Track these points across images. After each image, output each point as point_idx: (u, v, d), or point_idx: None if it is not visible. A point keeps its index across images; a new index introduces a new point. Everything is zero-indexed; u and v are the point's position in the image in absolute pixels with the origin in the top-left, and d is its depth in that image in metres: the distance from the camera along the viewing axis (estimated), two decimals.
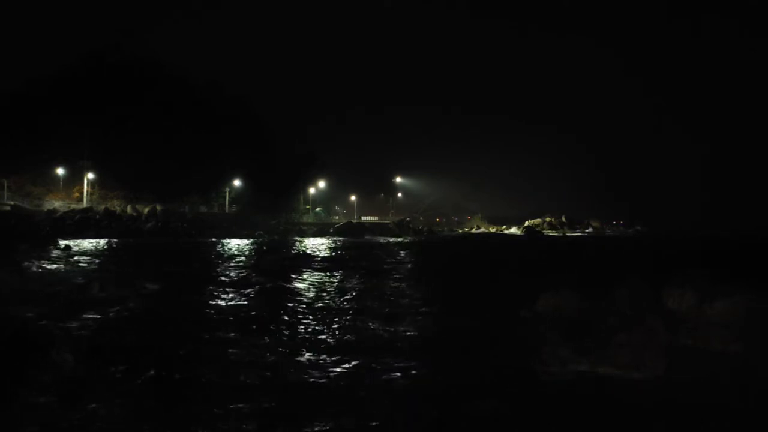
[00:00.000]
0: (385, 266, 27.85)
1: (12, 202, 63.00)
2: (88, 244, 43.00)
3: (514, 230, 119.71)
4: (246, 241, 54.74)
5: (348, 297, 16.22)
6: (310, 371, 8.45)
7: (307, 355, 9.37)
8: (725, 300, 9.78)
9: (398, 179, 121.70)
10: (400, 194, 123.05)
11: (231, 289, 17.42)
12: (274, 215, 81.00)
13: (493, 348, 10.05)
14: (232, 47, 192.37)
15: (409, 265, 29.12)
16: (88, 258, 28.99)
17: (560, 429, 6.69)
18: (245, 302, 14.99)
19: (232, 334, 10.91)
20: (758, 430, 6.79)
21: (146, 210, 69.97)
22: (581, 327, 9.39)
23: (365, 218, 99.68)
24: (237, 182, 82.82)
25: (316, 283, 19.54)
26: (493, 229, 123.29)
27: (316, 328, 11.65)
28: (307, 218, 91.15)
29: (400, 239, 71.84)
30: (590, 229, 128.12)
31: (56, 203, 68.72)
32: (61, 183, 73.31)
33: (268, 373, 8.32)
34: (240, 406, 6.97)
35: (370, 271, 24.39)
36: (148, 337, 10.53)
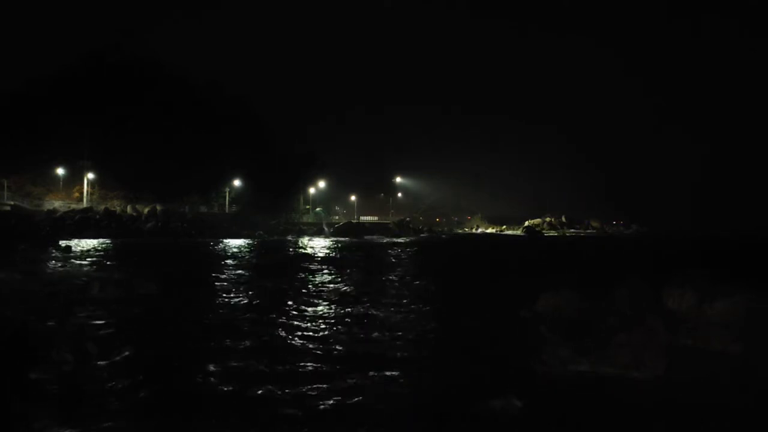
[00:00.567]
0: (384, 266, 27.85)
1: (12, 202, 62.99)
2: (88, 244, 43.00)
3: (514, 230, 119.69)
4: (246, 241, 54.75)
5: (348, 297, 16.21)
6: (310, 371, 8.45)
7: (306, 356, 9.36)
8: (725, 300, 9.78)
9: (398, 179, 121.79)
10: (400, 194, 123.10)
11: (231, 290, 17.42)
12: (274, 215, 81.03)
13: (493, 348, 10.05)
14: (232, 47, 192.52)
15: (409, 266, 29.12)
16: (88, 258, 28.98)
17: (560, 429, 6.68)
18: (245, 303, 14.99)
19: (232, 334, 10.90)
20: (758, 430, 6.79)
21: (146, 210, 69.96)
22: (581, 327, 9.38)
23: (365, 218, 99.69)
24: (237, 182, 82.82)
25: (315, 284, 19.53)
26: (493, 229, 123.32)
27: (316, 328, 11.65)
28: (307, 218, 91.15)
29: (400, 239, 71.84)
30: (590, 229, 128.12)
31: (56, 203, 68.72)
32: (61, 183, 73.31)
33: (267, 373, 8.32)
34: (239, 407, 6.97)
35: (369, 272, 24.39)
36: (148, 338, 10.53)
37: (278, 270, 25.00)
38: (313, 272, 23.56)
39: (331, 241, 61.37)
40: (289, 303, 14.96)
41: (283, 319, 12.55)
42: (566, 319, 10.15)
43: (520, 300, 12.65)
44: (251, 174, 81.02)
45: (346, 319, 12.64)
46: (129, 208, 70.32)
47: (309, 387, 7.75)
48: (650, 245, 60.72)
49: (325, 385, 7.79)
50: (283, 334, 11.00)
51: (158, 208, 70.77)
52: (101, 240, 49.81)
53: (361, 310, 13.91)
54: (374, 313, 13.48)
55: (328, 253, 38.05)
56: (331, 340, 10.51)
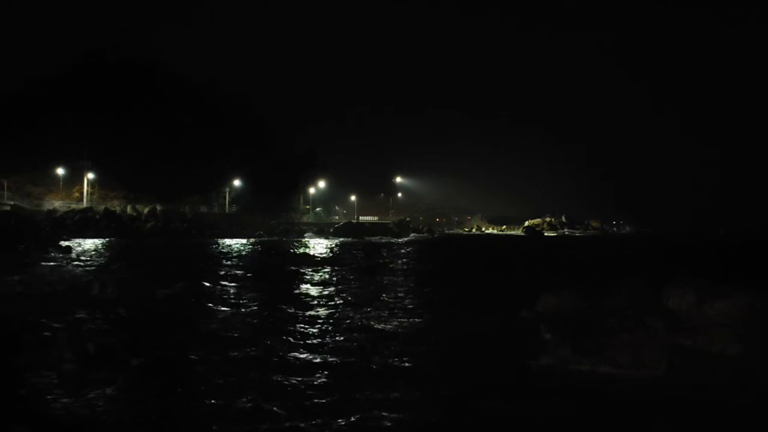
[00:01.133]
0: (384, 267, 27.85)
1: (12, 202, 62.94)
2: (88, 244, 43.00)
3: (514, 230, 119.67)
4: (246, 241, 54.75)
5: (347, 298, 16.21)
6: (310, 372, 8.45)
7: (306, 357, 9.36)
8: (725, 300, 9.77)
9: (398, 179, 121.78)
10: (400, 194, 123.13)
11: (230, 291, 17.42)
12: (274, 215, 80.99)
13: (493, 348, 10.05)
14: (232, 47, 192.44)
15: (409, 266, 29.12)
16: (88, 258, 28.98)
17: (561, 428, 6.69)
18: (245, 304, 14.99)
19: (232, 337, 10.90)
20: (758, 430, 6.79)
21: (146, 210, 69.91)
22: (581, 327, 9.38)
23: (365, 218, 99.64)
24: (237, 182, 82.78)
25: (315, 284, 19.53)
26: (493, 230, 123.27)
27: (316, 328, 11.65)
28: (307, 218, 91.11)
29: (399, 239, 71.83)
30: (590, 230, 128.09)
31: (56, 203, 68.68)
32: (61, 183, 73.27)
33: (266, 373, 8.32)
34: (239, 407, 6.97)
35: (369, 272, 24.39)
36: (148, 338, 10.53)
37: (278, 270, 25.00)
38: (313, 273, 23.56)
39: (331, 241, 61.35)
40: (288, 303, 14.96)
41: (282, 319, 12.55)
42: (566, 319, 10.15)
43: (520, 300, 12.65)
44: (251, 174, 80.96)
45: (346, 320, 12.64)
46: (129, 208, 70.27)
47: (309, 387, 7.75)
48: (645, 246, 60.69)
49: (325, 386, 7.79)
50: (281, 333, 11.00)
51: (158, 208, 70.73)
52: (101, 240, 49.80)
53: (360, 310, 13.91)
54: (373, 313, 13.48)
55: (328, 254, 38.04)
56: (330, 341, 10.51)
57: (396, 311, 13.76)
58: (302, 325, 11.86)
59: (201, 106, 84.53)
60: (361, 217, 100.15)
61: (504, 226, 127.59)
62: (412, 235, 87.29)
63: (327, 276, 22.10)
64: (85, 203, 70.47)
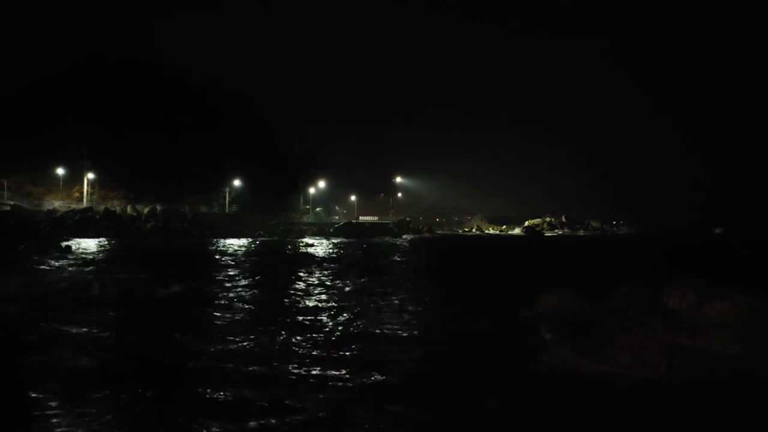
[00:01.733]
0: (384, 267, 27.84)
1: (12, 202, 62.98)
2: (88, 244, 43.00)
3: (514, 231, 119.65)
4: (246, 241, 54.76)
5: (347, 298, 16.21)
6: (309, 372, 8.45)
7: (306, 356, 9.36)
8: (725, 300, 9.77)
9: (398, 179, 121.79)
10: (400, 194, 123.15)
11: (230, 291, 17.42)
12: (274, 215, 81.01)
13: (493, 348, 10.05)
14: (232, 47, 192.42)
15: (409, 266, 29.12)
16: (89, 258, 28.98)
17: (561, 428, 6.69)
18: (244, 303, 14.99)
19: (231, 338, 10.90)
20: (758, 430, 6.79)
21: (146, 210, 69.92)
22: (581, 327, 9.38)
23: (365, 218, 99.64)
24: (237, 182, 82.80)
25: (314, 284, 19.54)
26: (493, 230, 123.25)
27: (315, 329, 11.65)
28: (307, 218, 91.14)
29: (399, 239, 71.84)
30: (590, 230, 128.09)
31: (56, 203, 68.71)
32: (61, 183, 73.29)
33: (266, 373, 8.32)
34: (239, 408, 6.97)
35: (369, 272, 24.39)
36: (148, 338, 10.53)
37: (278, 270, 25.00)
38: (313, 273, 23.56)
39: (331, 241, 61.36)
40: (288, 303, 14.97)
41: (281, 319, 12.55)
42: (566, 319, 10.15)
43: (520, 300, 12.65)
44: (251, 174, 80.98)
45: (345, 320, 12.64)
46: (129, 208, 70.29)
47: (309, 388, 7.75)
48: (644, 246, 60.72)
49: (326, 386, 7.79)
50: (281, 334, 11.00)
51: (158, 208, 70.75)
52: (101, 240, 49.80)
53: (360, 310, 13.91)
54: (373, 313, 13.48)
55: (328, 254, 38.05)
56: (330, 342, 10.51)
57: (396, 311, 13.76)
58: (302, 325, 11.86)
59: (201, 106, 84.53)
60: (361, 217, 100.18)
61: (504, 226, 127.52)
62: (412, 235, 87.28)
63: (327, 276, 22.10)
64: (85, 203, 70.50)
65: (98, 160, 72.74)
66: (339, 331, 11.43)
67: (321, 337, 10.81)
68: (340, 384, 7.85)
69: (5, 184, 64.69)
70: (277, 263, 28.99)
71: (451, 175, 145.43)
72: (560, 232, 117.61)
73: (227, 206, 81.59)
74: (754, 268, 25.72)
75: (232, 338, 10.52)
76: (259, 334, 10.87)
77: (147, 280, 18.81)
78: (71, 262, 26.20)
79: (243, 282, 19.60)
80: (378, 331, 11.42)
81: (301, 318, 12.76)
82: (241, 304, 14.59)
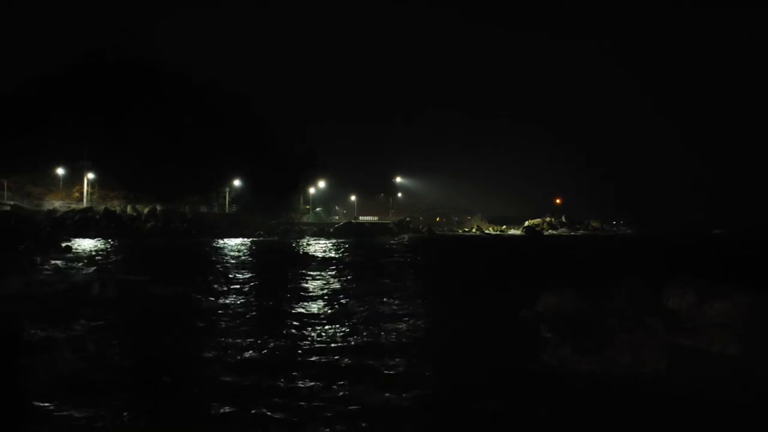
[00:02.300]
0: (384, 267, 27.83)
1: (12, 202, 62.96)
2: (88, 244, 42.99)
3: (514, 230, 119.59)
4: (246, 241, 54.74)
5: (347, 298, 16.21)
6: (309, 372, 8.45)
7: (305, 357, 9.36)
8: (725, 300, 9.77)
9: (398, 179, 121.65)
10: (400, 194, 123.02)
11: (230, 290, 17.41)
12: (274, 215, 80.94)
13: (494, 348, 10.05)
14: (232, 47, 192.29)
15: (409, 266, 29.11)
16: (89, 258, 28.98)
17: (561, 428, 6.69)
18: (244, 303, 14.99)
19: (231, 338, 10.90)
20: (758, 430, 6.79)
21: (146, 210, 69.89)
22: (581, 327, 9.38)
23: (365, 218, 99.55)
24: (237, 182, 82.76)
25: (314, 284, 19.53)
26: (493, 230, 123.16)
27: (315, 329, 11.65)
28: (307, 218, 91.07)
29: (399, 239, 71.80)
30: (590, 230, 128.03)
31: (56, 203, 68.67)
32: (61, 183, 73.25)
33: (266, 373, 8.32)
34: (239, 408, 6.97)
35: (369, 272, 24.38)
36: (148, 339, 10.53)
37: (277, 270, 25.00)
38: (313, 273, 23.56)
39: (331, 241, 61.33)
40: (288, 304, 14.96)
41: (281, 320, 12.55)
42: (566, 319, 10.15)
43: (521, 300, 12.65)
44: (251, 174, 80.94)
45: (345, 320, 12.64)
46: (129, 208, 70.25)
47: (309, 388, 7.75)
48: (650, 245, 60.70)
49: (326, 387, 7.79)
50: (281, 334, 11.00)
51: (158, 208, 70.71)
52: (101, 240, 49.78)
53: (360, 310, 13.91)
54: (372, 313, 13.48)
55: (328, 254, 38.04)
56: (330, 342, 10.51)
57: (395, 311, 13.76)
58: (301, 326, 11.86)
59: (201, 106, 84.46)
60: (361, 217, 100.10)
61: (504, 226, 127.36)
62: (412, 235, 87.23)
63: (326, 276, 22.10)
64: (85, 203, 70.46)
65: (98, 160, 72.69)
66: (339, 331, 11.42)
67: (321, 337, 10.81)
68: (340, 384, 7.85)
69: (5, 184, 64.67)
70: (277, 263, 28.98)
71: (451, 175, 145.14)
72: (556, 232, 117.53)
73: (227, 206, 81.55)
74: (754, 268, 25.71)
75: (231, 339, 10.52)
76: (258, 335, 10.87)
77: (147, 280, 18.80)
78: (71, 262, 26.19)
79: (242, 282, 19.59)
80: (378, 331, 11.42)
81: (300, 318, 12.75)
82: (240, 305, 14.58)
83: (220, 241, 53.52)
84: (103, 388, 7.44)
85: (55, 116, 73.03)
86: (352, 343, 10.36)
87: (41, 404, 6.84)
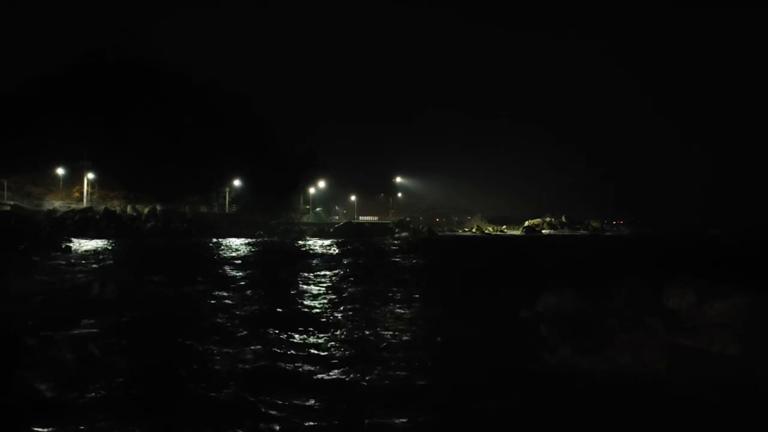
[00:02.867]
0: (384, 267, 27.84)
1: (12, 202, 62.96)
2: (88, 244, 43.00)
3: (514, 230, 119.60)
4: (246, 241, 54.75)
5: (347, 298, 16.22)
6: (309, 372, 8.46)
7: (305, 357, 9.37)
8: (725, 300, 9.77)
9: (398, 179, 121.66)
10: (400, 194, 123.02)
11: (230, 290, 17.42)
12: (274, 215, 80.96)
13: (494, 348, 10.05)
14: (232, 47, 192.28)
15: (409, 266, 29.12)
16: (89, 258, 28.98)
17: (561, 428, 6.69)
18: (244, 304, 14.99)
19: (232, 339, 10.90)
20: (758, 430, 6.79)
21: (146, 210, 69.90)
22: (581, 327, 9.39)
23: (365, 218, 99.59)
24: (237, 182, 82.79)
25: (314, 285, 19.54)
26: (493, 230, 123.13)
27: (315, 329, 11.65)
28: (307, 218, 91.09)
29: (399, 239, 71.81)
30: (590, 230, 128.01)
31: (56, 203, 68.68)
32: (61, 183, 73.26)
33: (266, 374, 8.33)
34: (238, 409, 6.97)
35: (369, 272, 24.39)
36: (148, 339, 10.53)
37: (277, 271, 25.00)
38: (312, 273, 23.56)
39: (331, 241, 61.34)
40: (288, 305, 14.97)
41: (281, 321, 12.56)
42: (566, 319, 10.15)
43: (520, 300, 12.64)
44: (251, 174, 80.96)
45: (345, 321, 12.65)
46: (129, 208, 70.26)
47: (309, 388, 7.75)
48: (651, 245, 60.72)
49: (327, 387, 7.80)
50: (281, 336, 11.01)
51: (158, 208, 70.72)
52: (101, 240, 49.80)
53: (360, 310, 13.92)
54: (372, 313, 13.49)
55: (328, 254, 38.05)
56: (331, 343, 10.51)
57: (395, 311, 13.77)
58: (301, 326, 11.86)
59: (201, 106, 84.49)
60: (361, 217, 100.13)
61: (504, 226, 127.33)
62: (412, 235, 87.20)
63: (326, 276, 22.10)
64: (85, 203, 70.47)
65: (98, 160, 72.71)
66: (339, 332, 11.43)
67: (321, 338, 10.82)
68: (340, 385, 7.86)
69: (5, 184, 64.67)
70: (277, 264, 28.98)
71: (451, 175, 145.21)
72: (555, 232, 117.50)
73: (227, 206, 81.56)
74: (753, 268, 25.72)
75: (231, 340, 10.52)
76: (258, 336, 10.87)
77: (147, 280, 18.80)
78: (71, 262, 26.19)
79: (242, 283, 19.60)
80: (378, 331, 11.42)
81: (300, 319, 12.76)
82: (240, 305, 14.58)
83: (220, 241, 53.53)
84: (103, 389, 7.43)
85: (55, 116, 73.04)
86: (352, 343, 10.37)
87: (41, 405, 6.84)
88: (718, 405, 7.27)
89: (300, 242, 57.04)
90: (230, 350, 9.62)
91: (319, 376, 8.25)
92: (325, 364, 8.84)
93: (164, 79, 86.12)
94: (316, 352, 9.64)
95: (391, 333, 11.25)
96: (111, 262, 27.75)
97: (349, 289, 18.01)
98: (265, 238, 62.89)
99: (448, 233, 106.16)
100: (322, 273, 23.31)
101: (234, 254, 35.43)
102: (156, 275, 20.19)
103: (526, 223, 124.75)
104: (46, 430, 6.23)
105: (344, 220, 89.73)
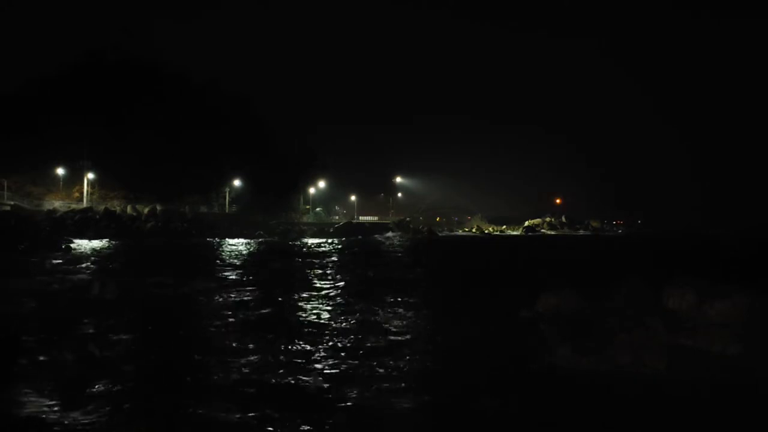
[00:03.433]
0: (384, 267, 27.84)
1: (12, 202, 62.93)
2: (88, 244, 43.00)
3: (514, 230, 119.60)
4: (246, 241, 54.76)
5: (347, 298, 16.21)
6: (309, 373, 8.46)
7: (305, 357, 9.37)
8: (725, 300, 9.77)
9: (398, 179, 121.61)
10: (400, 194, 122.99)
11: (230, 290, 17.42)
12: (274, 215, 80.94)
13: (493, 347, 10.06)
14: (232, 47, 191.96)
15: (409, 266, 29.12)
16: (88, 258, 28.98)
17: (561, 428, 6.69)
18: (244, 304, 14.99)
19: (232, 339, 10.90)
20: (757, 430, 6.79)
21: (146, 210, 69.87)
22: (581, 327, 9.39)
23: (365, 218, 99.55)
24: (237, 182, 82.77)
25: (313, 285, 19.54)
26: (493, 230, 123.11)
27: (315, 329, 11.66)
28: (307, 218, 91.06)
29: (399, 239, 71.79)
30: (590, 230, 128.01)
31: (56, 203, 68.64)
32: (61, 183, 73.22)
33: (266, 374, 8.32)
34: (238, 409, 6.97)
35: (368, 273, 24.38)
36: (148, 339, 10.53)
37: (277, 271, 25.00)
38: (312, 273, 23.57)
39: (331, 241, 61.34)
40: (288, 304, 14.97)
41: (281, 321, 12.56)
42: (566, 319, 10.16)
43: (521, 300, 12.65)
44: (251, 174, 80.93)
45: (345, 321, 12.65)
46: (129, 208, 70.23)
47: (310, 389, 7.75)
48: (651, 245, 60.73)
49: (324, 387, 7.80)
50: (281, 336, 11.00)
51: (158, 208, 70.69)
52: (101, 240, 49.79)
53: (360, 311, 13.91)
54: (373, 313, 13.48)
55: (328, 254, 38.05)
56: (331, 343, 10.51)
57: (395, 311, 13.76)
58: (301, 327, 11.86)
59: (201, 106, 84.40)
60: (361, 217, 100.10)
61: (504, 226, 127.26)
62: (412, 235, 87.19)
63: (326, 276, 22.10)
64: (85, 203, 70.44)
65: (98, 160, 72.66)
66: (339, 332, 11.43)
67: (321, 338, 10.81)
68: (339, 384, 7.85)
69: (5, 184, 64.64)
70: (277, 264, 28.98)
71: (451, 175, 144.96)
72: (556, 232, 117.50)
73: (227, 206, 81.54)
74: (753, 268, 25.71)
75: (231, 340, 10.52)
76: (258, 336, 10.87)
77: (147, 280, 18.80)
78: (71, 262, 26.19)
79: (242, 283, 19.60)
80: (378, 331, 11.42)
81: (299, 320, 12.76)
82: (240, 306, 14.58)
83: (220, 241, 53.52)
84: (103, 389, 7.44)
85: (55, 116, 72.96)
86: (352, 343, 10.36)
87: (41, 405, 6.84)
88: (718, 405, 7.27)
89: (300, 242, 57.03)
90: (230, 351, 9.62)
91: (316, 374, 8.24)
92: (324, 364, 8.84)
93: (164, 79, 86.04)
94: (313, 351, 9.64)
95: (390, 333, 11.25)
96: (110, 262, 27.74)
97: (348, 289, 18.01)
98: (265, 238, 62.87)
99: (448, 233, 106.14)
100: (321, 273, 23.31)
101: (233, 254, 35.43)
102: (156, 275, 20.19)
103: (526, 223, 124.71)
104: (45, 428, 6.22)
105: (344, 221, 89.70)
